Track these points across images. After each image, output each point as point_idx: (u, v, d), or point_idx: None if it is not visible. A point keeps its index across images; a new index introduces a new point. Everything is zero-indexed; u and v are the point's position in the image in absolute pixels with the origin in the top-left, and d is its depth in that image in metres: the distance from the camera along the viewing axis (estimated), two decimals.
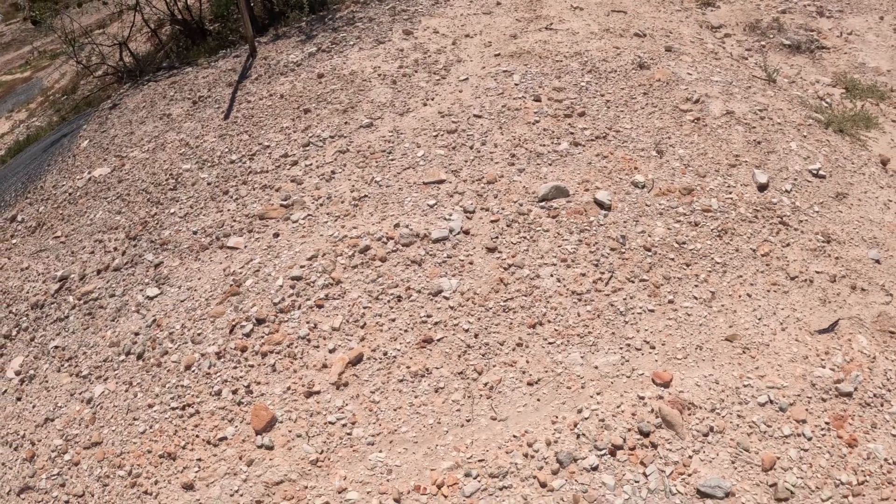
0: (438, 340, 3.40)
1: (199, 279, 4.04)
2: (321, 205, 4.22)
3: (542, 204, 3.97)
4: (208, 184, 4.74)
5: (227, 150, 5.00)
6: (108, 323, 4.05)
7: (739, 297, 3.57)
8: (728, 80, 5.21)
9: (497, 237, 3.82)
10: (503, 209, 3.98)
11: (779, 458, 2.99)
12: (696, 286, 3.60)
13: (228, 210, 4.42)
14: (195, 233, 4.38)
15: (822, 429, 3.13)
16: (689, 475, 2.96)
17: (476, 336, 3.39)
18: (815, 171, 4.42)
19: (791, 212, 4.06)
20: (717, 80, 5.16)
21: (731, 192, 4.11)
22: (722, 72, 5.35)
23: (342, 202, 4.19)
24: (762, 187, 4.21)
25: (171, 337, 3.76)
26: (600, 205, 3.95)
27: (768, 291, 3.62)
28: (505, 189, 4.11)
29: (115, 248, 4.54)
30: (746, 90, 5.14)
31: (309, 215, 4.17)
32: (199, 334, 3.71)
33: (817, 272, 3.75)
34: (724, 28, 6.24)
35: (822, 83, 5.63)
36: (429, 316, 3.49)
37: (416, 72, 5.42)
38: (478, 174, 4.25)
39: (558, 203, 3.98)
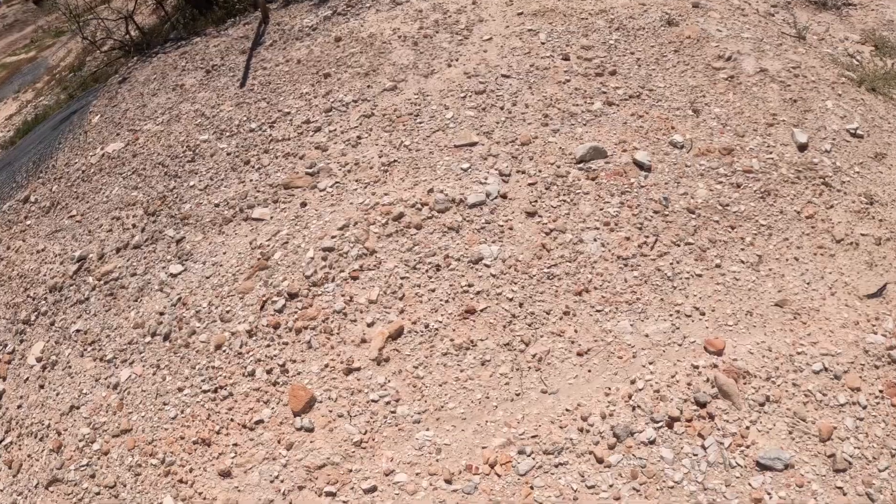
0: (482, 311, 3.09)
1: (225, 254, 3.70)
2: (349, 171, 3.86)
3: (581, 165, 3.62)
4: (228, 154, 4.36)
5: (245, 118, 4.60)
6: (130, 304, 3.74)
7: (787, 260, 3.26)
8: (758, 36, 4.79)
9: (536, 201, 3.47)
10: (540, 171, 3.63)
11: (835, 428, 2.72)
12: (743, 249, 3.28)
13: (251, 181, 4.06)
14: (217, 205, 4.03)
15: (877, 397, 2.85)
16: (748, 447, 2.70)
17: (521, 305, 3.09)
18: (853, 131, 4.05)
19: (833, 172, 3.72)
20: (747, 36, 4.74)
21: (771, 153, 3.75)
22: (751, 28, 4.92)
23: (371, 168, 3.83)
24: (802, 147, 3.85)
25: (197, 316, 3.45)
26: (640, 166, 3.60)
27: (815, 255, 3.30)
28: (540, 151, 3.75)
29: (134, 226, 4.19)
30: (777, 47, 4.73)
31: (337, 182, 3.82)
32: (227, 312, 3.39)
33: (863, 234, 3.44)
34: None
35: (851, 40, 5.21)
36: (470, 285, 3.18)
37: (437, 32, 4.98)
38: (511, 136, 3.88)
39: (597, 164, 3.62)
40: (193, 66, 5.63)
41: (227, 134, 4.53)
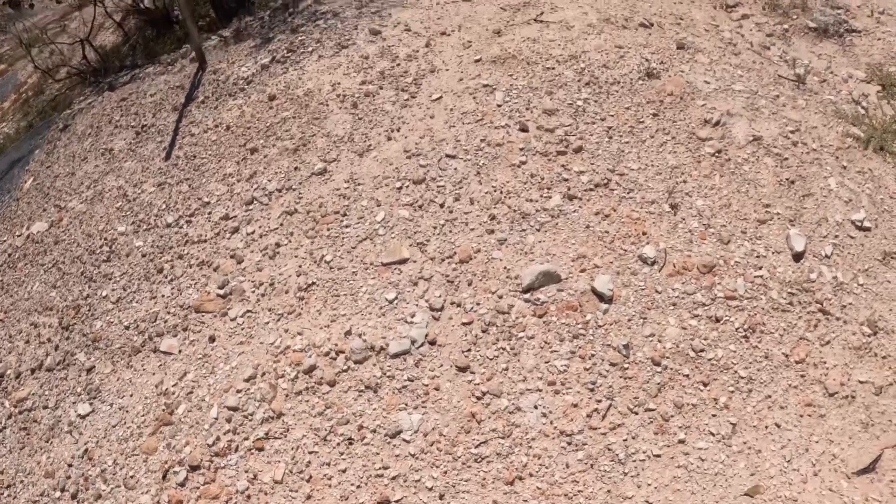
0: (396, 503, 2.60)
1: (132, 395, 3.23)
2: (263, 295, 3.31)
3: (528, 296, 2.99)
4: (143, 255, 3.82)
5: (164, 206, 4.03)
6: (42, 444, 3.31)
7: (766, 428, 2.63)
8: (752, 88, 3.95)
9: (470, 350, 2.88)
10: (478, 304, 3.02)
11: None
12: (714, 416, 2.67)
13: (163, 296, 3.55)
14: (128, 327, 3.53)
15: None
16: None
17: (441, 497, 2.57)
18: (859, 223, 3.31)
19: (832, 292, 3.00)
20: (739, 88, 3.91)
21: (761, 267, 3.06)
22: (744, 75, 4.07)
23: (286, 292, 3.27)
24: (798, 256, 3.13)
25: (103, 476, 2.99)
26: (599, 296, 2.96)
27: (801, 417, 2.67)
28: (482, 272, 3.13)
29: (49, 339, 3.73)
30: (774, 101, 3.90)
31: (248, 311, 3.28)
32: (131, 477, 2.94)
33: (860, 382, 2.77)
34: (740, 7, 4.82)
35: (855, 79, 4.32)
36: (385, 467, 2.65)
37: (381, 88, 4.26)
38: (449, 248, 3.25)
39: (547, 293, 3.00)
40: (126, 123, 5.01)
41: (145, 227, 3.98)
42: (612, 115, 3.74)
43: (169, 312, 3.47)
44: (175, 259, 3.68)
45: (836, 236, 3.26)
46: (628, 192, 3.35)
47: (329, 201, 3.62)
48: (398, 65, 4.39)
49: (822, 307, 2.92)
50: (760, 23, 4.67)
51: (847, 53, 4.46)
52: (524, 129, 3.70)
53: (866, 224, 3.31)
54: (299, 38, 4.94)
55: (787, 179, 3.45)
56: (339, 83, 4.37)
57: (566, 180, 3.42)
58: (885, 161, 3.76)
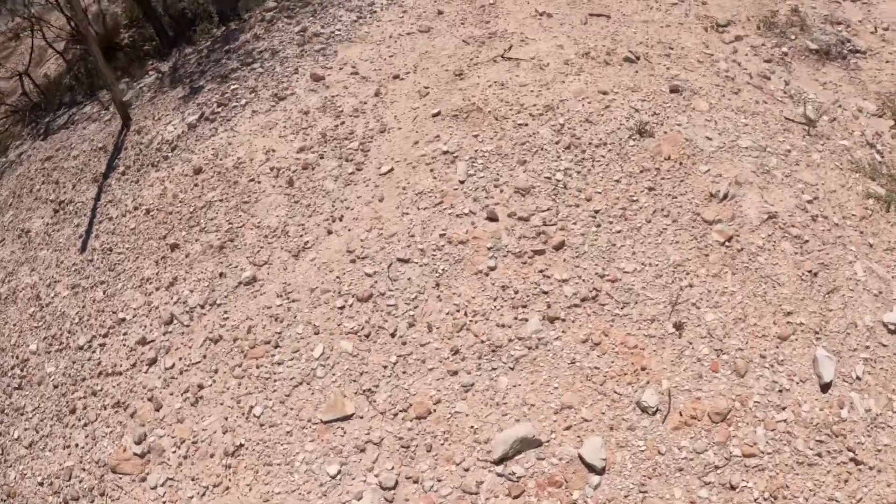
0: None
1: None
2: (185, 457, 2.70)
3: (501, 468, 2.40)
4: (55, 387, 3.20)
5: (77, 318, 3.38)
6: None
7: None
8: (759, 141, 3.18)
9: None
10: (439, 481, 2.40)
11: None
12: None
13: (77, 446, 2.94)
14: (41, 484, 2.94)
15: None
16: None
17: None
18: (893, 326, 2.66)
19: (866, 431, 2.37)
20: (745, 144, 3.15)
21: (784, 408, 2.41)
22: (749, 122, 3.28)
23: (211, 455, 2.66)
24: (826, 387, 2.49)
25: None
26: (589, 466, 2.37)
27: None
28: (443, 432, 2.50)
29: None
30: (785, 158, 3.15)
31: (169, 479, 2.67)
32: None
33: None
34: (732, 27, 3.96)
35: (866, 113, 3.54)
36: None
37: (321, 158, 3.52)
38: (402, 397, 2.60)
39: (525, 464, 2.37)
40: (46, 195, 4.27)
41: (57, 347, 3.34)
42: (600, 193, 3.02)
43: (84, 469, 2.88)
44: (89, 396, 3.07)
45: (867, 346, 2.62)
46: (622, 307, 2.69)
47: (259, 325, 2.96)
48: (342, 123, 3.63)
49: (854, 456, 2.32)
50: (756, 45, 3.84)
51: (853, 80, 3.67)
52: (493, 218, 3.00)
53: None
54: (231, 87, 4.14)
55: (809, 272, 2.77)
56: (273, 150, 3.62)
57: (545, 293, 2.75)
58: None
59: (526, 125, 3.32)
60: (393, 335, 2.76)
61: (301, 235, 3.20)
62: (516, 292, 2.75)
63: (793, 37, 3.84)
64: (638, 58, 3.61)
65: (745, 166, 3.09)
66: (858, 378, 2.56)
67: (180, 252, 3.38)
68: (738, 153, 3.14)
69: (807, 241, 2.88)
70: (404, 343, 2.74)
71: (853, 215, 3.02)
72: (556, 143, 3.20)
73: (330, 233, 3.16)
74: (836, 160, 3.26)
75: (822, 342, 2.61)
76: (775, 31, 3.85)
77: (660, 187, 3.00)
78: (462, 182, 3.15)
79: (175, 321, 3.12)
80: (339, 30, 4.22)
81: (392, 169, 3.32)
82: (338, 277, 2.99)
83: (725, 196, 2.96)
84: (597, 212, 2.94)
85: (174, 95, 4.34)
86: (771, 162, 3.14)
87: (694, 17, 3.96)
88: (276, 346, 2.84)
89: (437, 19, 4.16)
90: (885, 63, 3.73)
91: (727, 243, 2.83)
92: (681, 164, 3.07)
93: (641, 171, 3.06)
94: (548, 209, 2.97)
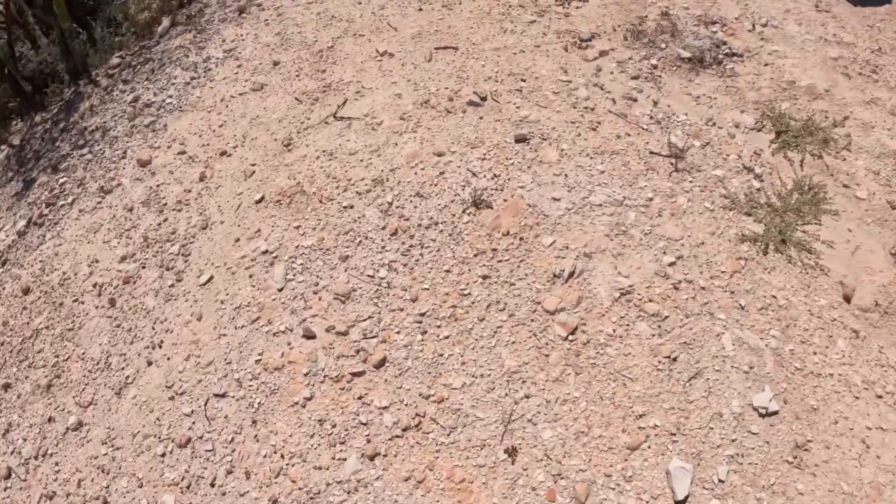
0: None
1: None
2: None
3: None
4: None
5: None
6: None
7: None
8: (616, 194, 2.71)
9: None
10: None
11: None
12: None
13: None
14: None
15: None
16: None
17: None
18: (763, 410, 2.30)
19: None
20: (599, 201, 2.68)
21: None
22: (606, 167, 2.80)
23: None
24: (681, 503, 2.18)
25: None
26: None
27: None
28: None
29: None
30: (646, 210, 2.69)
31: None
32: None
33: None
34: (596, 40, 3.38)
35: (743, 128, 3.02)
36: None
37: (143, 267, 3.13)
38: None
39: None
40: None
41: None
42: (427, 289, 2.62)
43: None
44: None
45: (734, 440, 2.26)
46: (449, 433, 2.34)
47: (87, 478, 2.66)
48: (165, 220, 3.22)
49: None
50: (623, 60, 3.29)
51: (730, 90, 3.13)
52: (310, 336, 2.62)
53: (772, 406, 2.30)
54: (60, 180, 3.71)
55: (667, 357, 2.39)
56: (97, 261, 3.24)
57: (364, 425, 2.41)
58: (789, 263, 2.63)
59: (352, 207, 2.89)
60: (213, 485, 2.46)
61: (122, 368, 2.87)
62: (334, 426, 2.42)
63: (663, 45, 3.29)
64: (484, 98, 3.11)
65: (598, 230, 2.66)
66: (721, 481, 2.23)
67: (13, 392, 3.07)
68: (588, 214, 2.70)
69: (666, 316, 2.48)
70: (224, 494, 2.44)
71: (723, 273, 2.60)
72: (383, 228, 2.78)
73: (150, 363, 2.82)
74: (707, 199, 2.80)
75: (680, 444, 2.27)
76: (644, 41, 3.30)
77: (496, 274, 2.59)
78: (280, 290, 2.76)
79: (13, 475, 2.85)
80: (170, 96, 3.74)
81: (212, 277, 2.93)
82: (158, 419, 2.67)
83: (571, 274, 2.55)
84: (423, 314, 2.55)
85: (8, 192, 3.94)
86: (629, 218, 2.70)
87: (553, 35, 3.41)
88: (105, 503, 2.58)
89: (273, 72, 3.65)
90: (764, 66, 3.19)
91: (570, 337, 2.44)
92: (521, 239, 2.65)
93: (476, 255, 2.64)
94: (369, 317, 2.59)
